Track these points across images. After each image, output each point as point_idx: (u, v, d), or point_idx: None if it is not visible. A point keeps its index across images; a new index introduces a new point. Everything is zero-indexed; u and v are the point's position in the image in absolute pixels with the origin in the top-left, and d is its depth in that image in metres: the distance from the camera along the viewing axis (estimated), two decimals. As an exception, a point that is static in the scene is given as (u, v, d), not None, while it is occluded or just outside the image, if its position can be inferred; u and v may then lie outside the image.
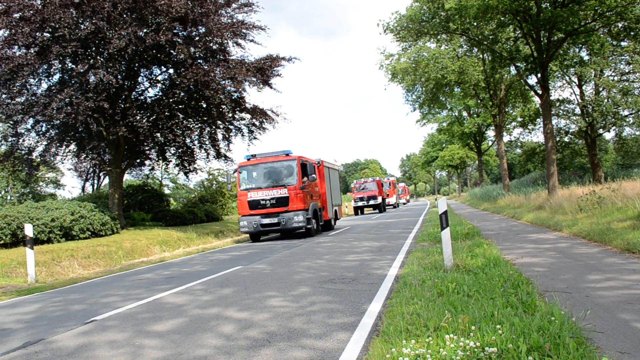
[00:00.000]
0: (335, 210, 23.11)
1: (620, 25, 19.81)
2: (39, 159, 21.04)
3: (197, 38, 19.79)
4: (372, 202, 39.91)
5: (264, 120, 23.38)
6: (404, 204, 64.74)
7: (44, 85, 19.84)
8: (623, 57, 29.68)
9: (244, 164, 18.60)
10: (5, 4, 16.84)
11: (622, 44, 25.66)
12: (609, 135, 44.42)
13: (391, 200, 48.75)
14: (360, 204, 40.61)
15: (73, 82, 18.33)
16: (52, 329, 6.21)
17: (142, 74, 21.71)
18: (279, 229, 17.92)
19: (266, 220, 17.58)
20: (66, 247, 14.85)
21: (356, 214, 41.17)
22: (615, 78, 32.40)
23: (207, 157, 24.46)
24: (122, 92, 20.05)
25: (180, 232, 20.75)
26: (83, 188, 33.28)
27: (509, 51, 22.47)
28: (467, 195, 57.59)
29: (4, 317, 7.43)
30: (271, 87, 22.26)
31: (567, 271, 7.19)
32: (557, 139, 34.71)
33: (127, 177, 29.76)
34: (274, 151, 18.89)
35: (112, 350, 4.94)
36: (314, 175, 17.90)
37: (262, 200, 17.65)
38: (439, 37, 26.92)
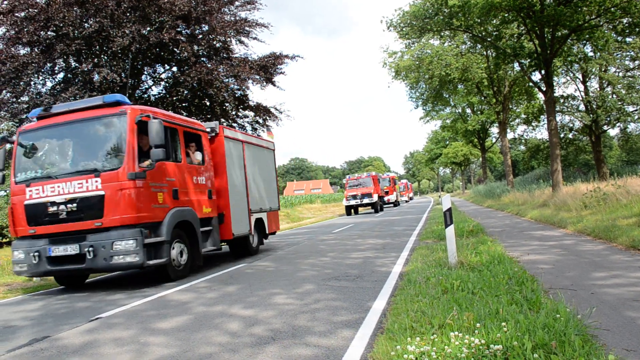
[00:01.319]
0: (260, 220, 13.47)
1: (625, 21, 19.71)
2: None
3: (200, 36, 19.82)
4: (366, 200, 34.87)
5: (268, 118, 23.37)
6: (406, 201, 61.55)
7: (49, 84, 19.91)
8: (628, 53, 29.56)
9: (29, 128, 9.51)
10: (10, 2, 16.90)
11: (627, 39, 25.54)
12: (613, 132, 44.34)
13: (391, 198, 45.63)
14: (352, 202, 35.59)
15: (77, 80, 18.37)
16: (57, 326, 6.23)
17: (145, 72, 21.76)
18: (82, 269, 8.65)
19: (58, 250, 8.57)
20: (71, 245, 14.87)
21: (348, 213, 36.71)
22: (620, 74, 32.27)
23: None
24: (126, 90, 20.07)
25: (185, 229, 20.75)
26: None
27: (513, 48, 22.40)
28: (471, 192, 57.49)
29: (10, 314, 7.47)
30: (274, 85, 22.27)
31: (572, 268, 7.17)
32: (561, 135, 34.63)
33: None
34: (88, 99, 9.70)
35: (117, 348, 4.96)
36: (159, 150, 8.41)
37: (51, 203, 8.62)
38: (442, 33, 26.87)
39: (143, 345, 4.96)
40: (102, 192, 8.40)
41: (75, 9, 17.11)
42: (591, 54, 28.31)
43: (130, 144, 8.51)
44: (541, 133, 46.25)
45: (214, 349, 4.64)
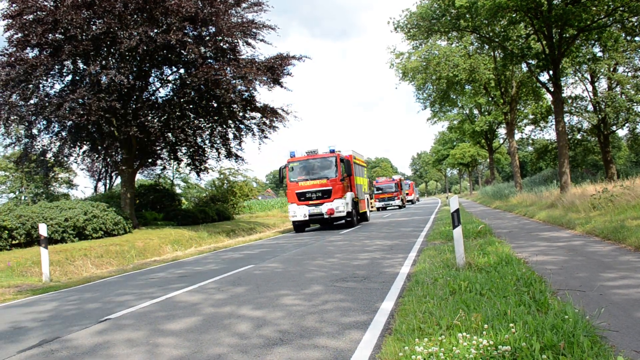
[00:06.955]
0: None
1: (634, 19, 19.58)
2: (52, 160, 21.28)
3: (207, 38, 19.89)
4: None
5: (275, 119, 23.42)
6: (400, 207, 45.80)
7: (57, 87, 20.07)
8: (638, 53, 29.36)
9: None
10: (18, 5, 17.05)
11: (637, 39, 25.36)
12: (622, 132, 44.02)
13: (339, 206, 20.56)
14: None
15: (85, 82, 18.50)
16: (67, 327, 6.28)
17: (153, 74, 21.88)
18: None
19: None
20: (79, 246, 15.00)
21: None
22: (630, 74, 32.06)
23: (218, 157, 24.63)
24: (133, 92, 20.19)
25: (192, 231, 20.86)
26: (95, 188, 33.52)
27: (521, 48, 22.30)
28: (479, 193, 57.26)
29: (20, 315, 7.53)
30: (282, 86, 22.31)
31: (580, 269, 7.14)
32: (570, 136, 34.44)
33: (139, 177, 29.92)
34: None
35: (127, 349, 4.99)
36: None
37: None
38: (449, 35, 26.79)
39: (154, 346, 4.99)
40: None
41: (82, 11, 17.22)
42: (600, 54, 28.12)
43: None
44: (549, 134, 45.99)
45: (223, 349, 4.66)
